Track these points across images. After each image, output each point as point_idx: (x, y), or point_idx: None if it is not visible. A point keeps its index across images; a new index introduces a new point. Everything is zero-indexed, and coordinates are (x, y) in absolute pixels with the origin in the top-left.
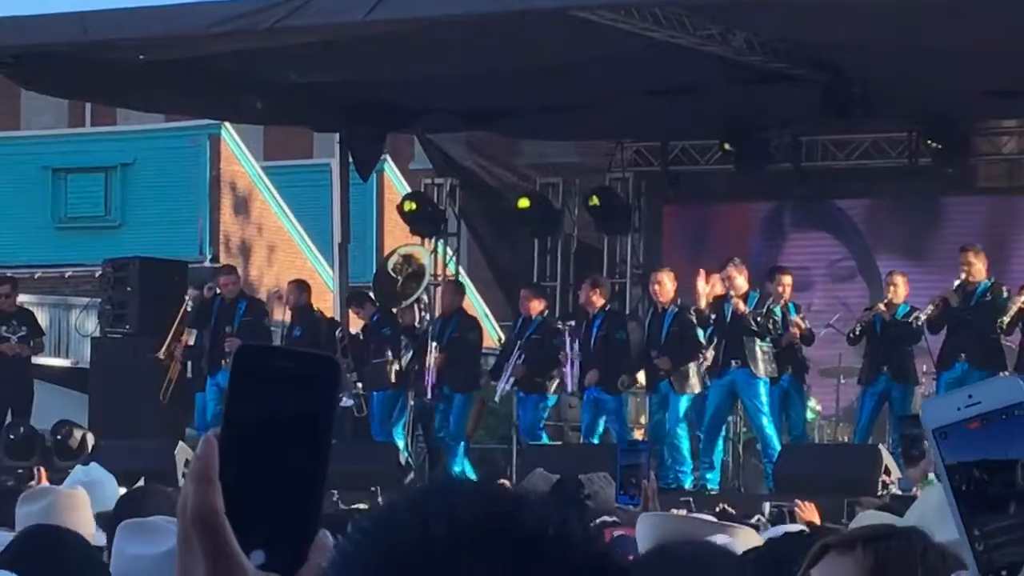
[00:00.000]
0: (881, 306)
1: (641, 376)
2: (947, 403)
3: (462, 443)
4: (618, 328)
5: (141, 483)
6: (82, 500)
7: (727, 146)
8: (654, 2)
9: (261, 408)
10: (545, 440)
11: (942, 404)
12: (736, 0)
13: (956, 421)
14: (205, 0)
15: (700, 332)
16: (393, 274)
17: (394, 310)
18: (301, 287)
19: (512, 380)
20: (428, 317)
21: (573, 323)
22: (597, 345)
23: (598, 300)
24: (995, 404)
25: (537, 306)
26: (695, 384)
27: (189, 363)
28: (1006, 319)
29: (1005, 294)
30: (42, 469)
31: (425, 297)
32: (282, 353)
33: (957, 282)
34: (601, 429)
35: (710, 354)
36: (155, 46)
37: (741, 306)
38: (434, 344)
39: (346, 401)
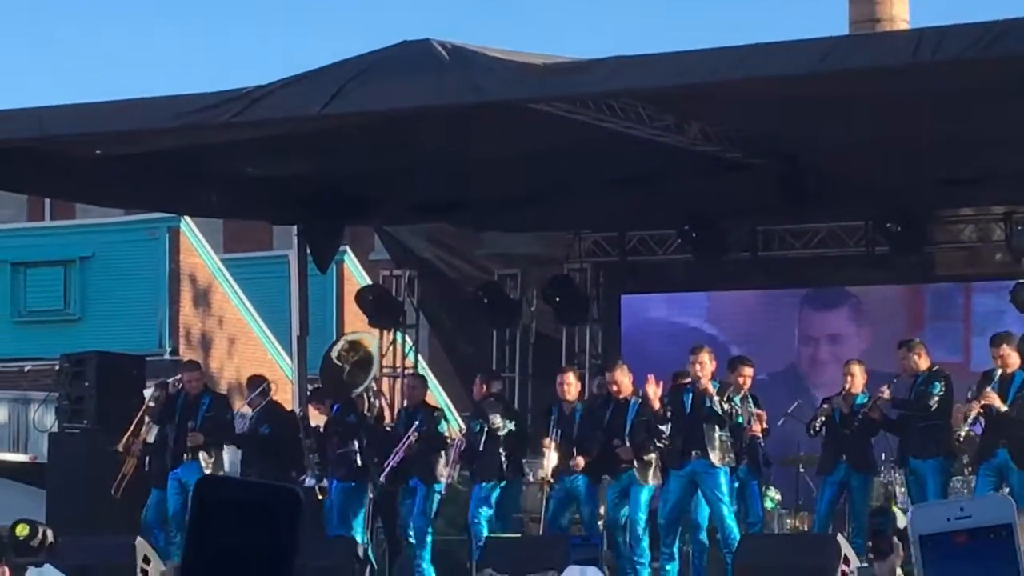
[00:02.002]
0: (839, 397)
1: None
2: (938, 512)
3: (427, 536)
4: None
5: None
6: None
7: (688, 230)
8: (608, 93)
9: (221, 540)
10: (485, 531)
11: (933, 512)
12: (689, 91)
13: (944, 531)
14: (161, 95)
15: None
16: (338, 362)
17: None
18: (259, 384)
19: (458, 467)
20: (378, 404)
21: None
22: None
23: (578, 388)
24: (984, 521)
25: (483, 391)
26: (657, 475)
27: (147, 459)
28: (971, 415)
29: (937, 385)
30: (5, 568)
31: (375, 385)
32: (242, 484)
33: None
34: (566, 520)
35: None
36: (111, 141)
37: (711, 388)
38: (414, 435)
39: (309, 481)
